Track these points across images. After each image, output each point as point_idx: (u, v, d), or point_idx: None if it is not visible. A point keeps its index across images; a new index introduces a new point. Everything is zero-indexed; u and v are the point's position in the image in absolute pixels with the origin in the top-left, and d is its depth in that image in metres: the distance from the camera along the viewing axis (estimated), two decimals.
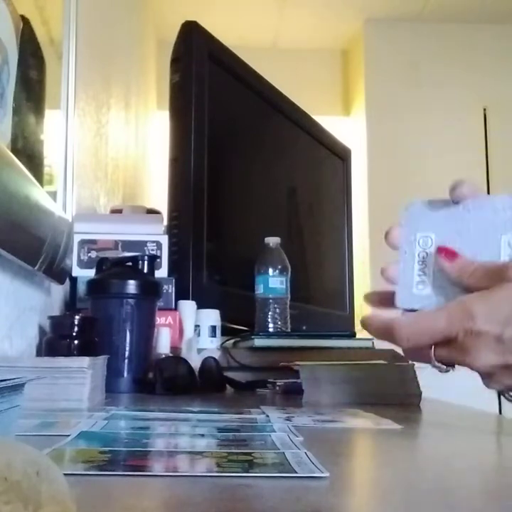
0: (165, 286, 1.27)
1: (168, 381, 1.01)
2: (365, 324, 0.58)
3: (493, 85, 3.85)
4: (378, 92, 3.85)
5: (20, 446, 0.25)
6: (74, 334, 0.98)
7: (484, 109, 3.86)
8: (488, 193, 3.80)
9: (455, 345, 0.52)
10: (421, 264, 0.58)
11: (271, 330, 1.50)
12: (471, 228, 0.57)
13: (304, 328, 1.72)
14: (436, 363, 0.55)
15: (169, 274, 1.34)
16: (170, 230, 1.46)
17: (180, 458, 0.45)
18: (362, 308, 3.34)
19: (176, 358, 1.13)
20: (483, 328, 0.50)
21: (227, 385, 1.15)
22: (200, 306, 1.39)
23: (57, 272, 1.16)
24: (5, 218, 0.86)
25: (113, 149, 2.09)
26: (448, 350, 0.53)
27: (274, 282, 1.52)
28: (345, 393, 0.91)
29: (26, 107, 1.08)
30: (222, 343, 1.45)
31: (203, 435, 0.56)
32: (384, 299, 0.60)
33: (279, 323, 1.52)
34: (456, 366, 0.55)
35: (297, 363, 1.01)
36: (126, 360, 1.05)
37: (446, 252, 0.56)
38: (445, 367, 0.55)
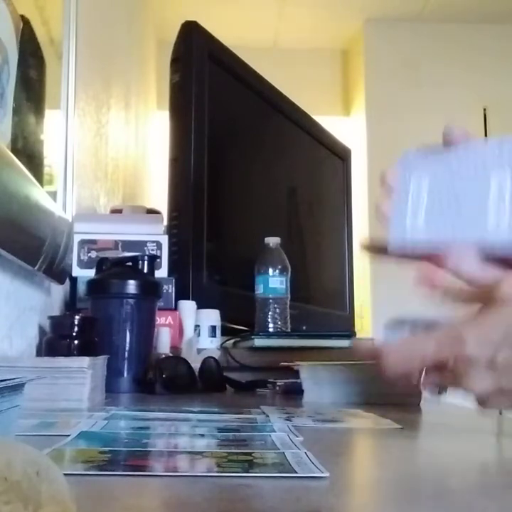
0: (165, 286, 1.27)
1: (168, 381, 1.01)
2: (355, 351, 0.57)
3: (493, 85, 3.85)
4: (378, 92, 3.85)
5: (20, 446, 0.25)
6: (74, 334, 0.98)
7: (484, 109, 3.86)
8: None
9: (446, 370, 0.51)
10: (414, 203, 0.57)
11: (271, 330, 1.50)
12: (461, 170, 0.57)
13: (304, 328, 1.72)
14: (428, 387, 0.54)
15: (169, 274, 1.34)
16: (170, 230, 1.46)
17: (180, 458, 0.45)
18: (362, 308, 3.36)
19: (176, 358, 1.13)
20: (474, 353, 0.49)
21: (227, 385, 1.15)
22: (200, 306, 1.39)
23: (57, 272, 1.16)
24: (5, 218, 0.86)
25: (113, 149, 2.09)
26: (439, 375, 0.52)
27: (274, 282, 1.52)
28: (345, 393, 0.91)
29: (26, 107, 1.08)
30: (222, 343, 1.45)
31: (203, 435, 0.56)
32: (380, 245, 0.59)
33: (279, 323, 1.52)
34: (449, 388, 0.54)
35: (297, 363, 1.01)
36: (126, 360, 1.05)
37: (425, 280, 0.54)
38: (437, 390, 0.55)
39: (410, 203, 0.58)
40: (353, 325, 2.24)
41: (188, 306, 1.35)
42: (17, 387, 0.48)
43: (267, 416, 0.69)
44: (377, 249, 0.59)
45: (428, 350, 0.51)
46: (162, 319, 1.25)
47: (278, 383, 1.13)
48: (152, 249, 1.33)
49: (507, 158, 0.56)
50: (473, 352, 0.49)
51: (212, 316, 1.40)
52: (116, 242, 1.33)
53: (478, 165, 0.57)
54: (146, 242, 1.34)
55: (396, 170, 0.60)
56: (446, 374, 0.51)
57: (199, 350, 1.22)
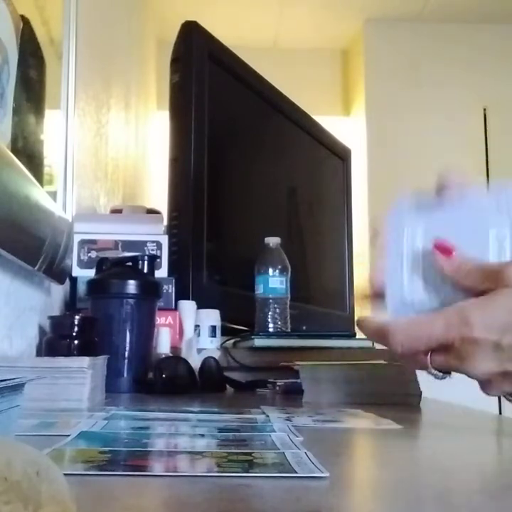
0: (165, 286, 1.27)
1: (168, 381, 1.01)
2: (360, 326, 0.57)
3: (493, 85, 3.85)
4: (378, 92, 3.85)
5: (20, 446, 0.25)
6: (74, 334, 0.98)
7: (484, 109, 3.86)
8: None
9: (452, 352, 0.51)
10: (410, 263, 0.56)
11: (271, 330, 1.50)
12: (458, 222, 0.56)
13: (304, 328, 1.72)
14: (433, 370, 0.54)
15: (169, 274, 1.34)
16: (170, 230, 1.46)
17: (180, 458, 0.45)
18: (362, 309, 3.35)
19: (176, 358, 1.13)
20: (480, 336, 0.49)
21: (227, 385, 1.15)
22: (200, 306, 1.39)
23: (57, 272, 1.16)
24: (5, 218, 0.86)
25: (113, 149, 2.09)
26: (444, 357, 0.52)
27: (274, 282, 1.52)
28: (345, 393, 0.91)
29: (26, 107, 1.08)
30: (222, 343, 1.45)
31: (203, 435, 0.56)
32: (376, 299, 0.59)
33: (279, 323, 1.52)
34: (452, 373, 0.54)
35: (297, 363, 1.01)
36: (126, 360, 1.05)
37: (441, 248, 0.55)
38: (441, 374, 0.54)
39: (406, 268, 0.57)
40: (353, 325, 2.24)
41: (188, 306, 1.35)
42: (17, 387, 0.48)
43: (267, 416, 0.69)
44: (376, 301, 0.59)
45: (434, 331, 0.51)
46: (162, 319, 1.25)
47: (278, 383, 1.13)
48: (152, 249, 1.33)
49: (505, 210, 0.55)
50: (479, 334, 0.49)
51: (212, 316, 1.40)
52: (116, 242, 1.33)
53: (475, 218, 0.56)
54: (146, 242, 1.34)
55: (389, 221, 0.59)
56: (451, 356, 0.51)
57: (199, 350, 1.22)
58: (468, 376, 0.52)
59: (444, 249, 0.55)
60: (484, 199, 0.56)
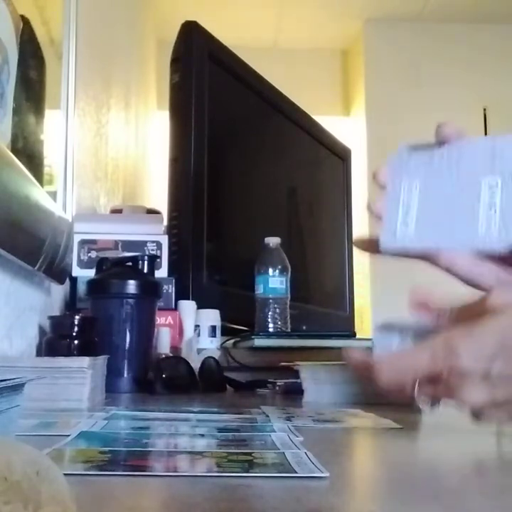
0: (165, 286, 1.27)
1: (168, 381, 1.01)
2: (345, 357, 0.56)
3: (493, 85, 3.85)
4: (378, 92, 3.85)
5: (20, 446, 0.25)
6: (74, 334, 0.98)
7: (484, 109, 3.86)
8: None
9: (440, 383, 0.50)
10: (405, 208, 0.57)
11: (271, 330, 1.50)
12: (452, 171, 0.57)
13: (304, 328, 1.72)
14: (421, 402, 0.53)
15: (169, 274, 1.34)
16: (170, 230, 1.46)
17: (180, 458, 0.45)
18: (362, 309, 3.35)
19: (176, 358, 1.13)
20: (468, 366, 0.48)
21: (227, 385, 1.15)
22: (200, 306, 1.39)
23: (57, 272, 1.16)
24: (5, 218, 0.86)
25: (113, 149, 2.09)
26: (432, 388, 0.51)
27: (274, 282, 1.52)
28: (345, 393, 0.91)
29: (26, 107, 1.08)
30: (222, 343, 1.45)
31: (203, 435, 0.56)
32: (372, 244, 0.59)
33: (279, 323, 1.52)
34: (442, 402, 0.54)
35: (297, 363, 1.01)
36: (126, 360, 1.05)
37: (416, 305, 0.55)
38: (430, 403, 0.54)
39: (401, 209, 0.58)
40: (353, 325, 2.24)
41: (188, 306, 1.35)
42: (17, 387, 0.48)
43: (267, 416, 0.69)
44: (371, 247, 0.59)
45: (421, 363, 0.50)
46: (162, 319, 1.25)
47: (278, 383, 1.13)
48: (152, 249, 1.33)
49: (498, 164, 0.56)
50: (467, 364, 0.48)
51: (212, 316, 1.40)
52: (116, 242, 1.33)
53: (469, 170, 0.57)
54: (146, 242, 1.34)
55: (388, 169, 0.60)
56: (439, 386, 0.50)
57: (199, 350, 1.22)
58: (458, 407, 0.51)
59: (419, 306, 0.55)
60: (478, 152, 0.57)
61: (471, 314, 0.51)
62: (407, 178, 0.59)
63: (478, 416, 0.51)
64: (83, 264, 1.31)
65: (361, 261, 3.50)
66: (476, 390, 0.49)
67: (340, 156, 2.36)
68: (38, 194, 1.03)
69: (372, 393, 0.90)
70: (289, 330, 1.53)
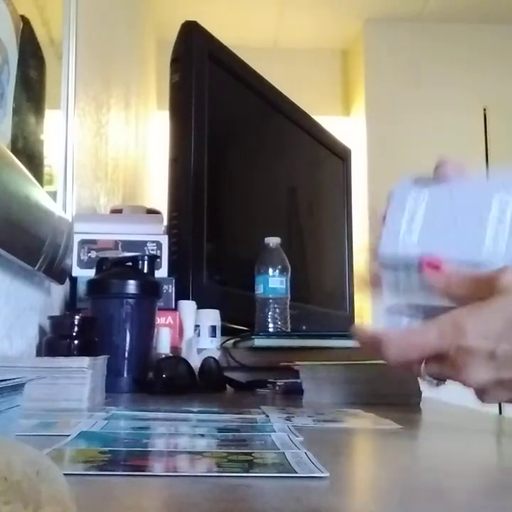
0: (165, 286, 1.27)
1: (168, 381, 1.01)
2: (353, 334, 0.57)
3: (493, 85, 3.85)
4: (378, 92, 3.85)
5: (20, 446, 0.25)
6: (74, 334, 0.98)
7: (484, 109, 3.86)
8: None
9: (446, 361, 0.51)
10: (410, 216, 0.56)
11: (271, 330, 1.50)
12: (462, 193, 0.56)
13: (304, 328, 1.72)
14: (427, 378, 0.54)
15: (169, 274, 1.34)
16: (170, 230, 1.46)
17: (180, 458, 0.45)
18: (362, 309, 3.37)
19: (176, 358, 1.13)
20: (475, 345, 0.49)
21: (227, 385, 1.15)
22: (200, 306, 1.39)
23: (57, 272, 1.16)
24: (5, 218, 0.86)
25: (113, 149, 2.09)
26: (439, 366, 0.52)
27: (274, 282, 1.52)
28: (345, 393, 0.91)
29: (26, 107, 1.08)
30: (222, 343, 1.45)
31: (203, 435, 0.56)
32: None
33: (279, 323, 1.52)
34: (447, 380, 0.54)
35: (297, 363, 1.01)
36: (126, 360, 1.05)
37: (430, 264, 0.55)
38: (436, 381, 0.54)
39: (406, 218, 0.57)
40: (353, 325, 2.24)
41: (188, 306, 1.35)
42: (17, 387, 0.48)
43: (267, 416, 0.69)
44: (372, 254, 0.59)
45: (428, 340, 0.50)
46: (162, 319, 1.25)
47: (278, 383, 1.13)
48: (152, 249, 1.33)
49: (509, 184, 0.55)
50: (473, 343, 0.49)
51: (212, 316, 1.40)
52: (116, 242, 1.33)
53: (480, 189, 0.56)
54: (146, 242, 1.34)
55: (392, 194, 0.60)
56: (445, 364, 0.51)
57: (199, 350, 1.22)
58: (464, 385, 0.51)
59: (432, 265, 0.55)
60: (486, 178, 0.57)
61: (478, 291, 0.51)
62: (414, 192, 0.58)
63: (482, 395, 0.51)
64: (83, 264, 1.31)
65: (361, 261, 3.51)
66: (481, 369, 0.49)
67: (340, 156, 2.36)
68: (38, 194, 1.03)
69: (372, 393, 0.90)
70: (289, 330, 1.53)
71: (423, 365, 0.52)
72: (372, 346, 0.54)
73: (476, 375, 0.49)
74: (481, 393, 0.51)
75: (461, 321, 0.50)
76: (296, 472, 0.39)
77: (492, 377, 0.49)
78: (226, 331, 1.49)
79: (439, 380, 0.54)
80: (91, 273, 1.16)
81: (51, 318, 1.04)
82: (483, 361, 0.49)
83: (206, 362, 1.13)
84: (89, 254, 1.31)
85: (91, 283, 1.11)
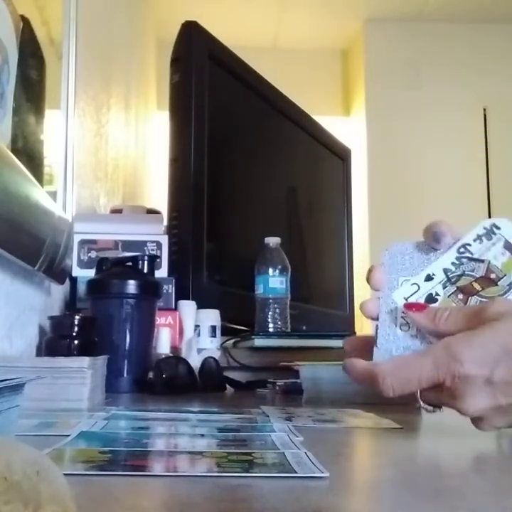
0: (165, 286, 1.27)
1: (168, 381, 1.02)
2: (346, 369, 0.56)
3: (493, 85, 3.85)
4: (378, 92, 3.85)
5: (20, 446, 0.25)
6: (74, 334, 0.98)
7: (484, 109, 3.86)
8: (488, 192, 3.80)
9: (443, 390, 0.50)
10: (393, 318, 0.57)
11: (271, 330, 1.50)
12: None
13: (304, 328, 1.72)
14: (423, 405, 0.54)
15: (169, 274, 1.34)
16: (170, 230, 1.46)
17: (180, 458, 0.45)
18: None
19: (176, 358, 1.13)
20: (471, 372, 0.48)
21: (227, 385, 1.15)
22: (200, 306, 1.39)
23: (57, 272, 1.16)
24: (5, 218, 0.86)
25: (113, 149, 2.09)
26: (435, 394, 0.52)
27: (274, 282, 1.52)
28: (345, 393, 0.91)
29: (26, 107, 1.08)
30: (222, 343, 1.45)
31: (203, 435, 0.56)
32: (364, 347, 0.58)
33: (279, 323, 1.52)
34: (443, 407, 0.54)
35: (297, 363, 1.01)
36: (126, 360, 1.05)
37: (414, 306, 0.55)
38: (432, 408, 0.54)
39: (400, 312, 0.57)
40: (353, 325, 2.24)
41: (188, 306, 1.35)
42: (17, 387, 0.48)
43: (267, 416, 0.69)
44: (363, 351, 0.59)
45: (424, 372, 0.50)
46: (162, 319, 1.25)
47: (278, 383, 1.13)
48: (152, 249, 1.33)
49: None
50: (470, 371, 0.48)
51: (212, 316, 1.40)
52: (116, 242, 1.33)
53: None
54: (146, 242, 1.34)
55: (382, 267, 0.59)
56: (442, 393, 0.51)
57: (199, 350, 1.22)
58: (461, 413, 0.51)
59: (417, 306, 0.55)
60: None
61: (467, 325, 0.52)
62: (403, 277, 0.59)
63: (481, 423, 0.51)
64: (83, 264, 1.31)
65: (361, 260, 3.51)
66: (479, 396, 0.49)
67: (340, 156, 2.36)
68: (38, 194, 1.03)
69: (372, 393, 0.90)
70: (289, 330, 1.53)
71: (419, 393, 0.53)
72: (367, 381, 0.53)
73: (474, 402, 0.49)
74: (479, 421, 0.51)
75: (455, 349, 0.49)
76: (296, 472, 0.39)
77: (490, 404, 0.49)
78: (226, 331, 1.49)
79: (436, 407, 0.54)
80: (91, 273, 1.16)
81: (51, 318, 1.04)
82: (481, 388, 0.49)
83: (206, 362, 1.13)
84: (89, 254, 1.31)
85: (91, 283, 1.11)
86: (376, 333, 0.57)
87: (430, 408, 0.54)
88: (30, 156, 1.08)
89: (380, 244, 3.76)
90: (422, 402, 0.54)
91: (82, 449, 0.47)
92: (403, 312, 0.56)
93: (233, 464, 0.41)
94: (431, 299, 0.57)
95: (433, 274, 0.57)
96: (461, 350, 0.49)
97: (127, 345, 1.06)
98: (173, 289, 1.32)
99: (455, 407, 0.51)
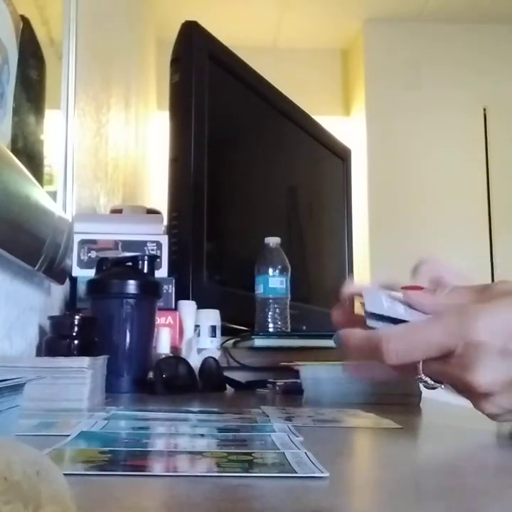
0: (165, 286, 1.27)
1: (168, 381, 1.02)
2: (342, 340, 0.51)
3: (493, 85, 3.85)
4: (378, 92, 3.85)
5: (20, 446, 0.24)
6: (74, 334, 0.98)
7: (484, 109, 3.86)
8: (488, 192, 3.80)
9: (451, 359, 0.46)
10: (389, 299, 0.53)
11: (271, 330, 1.50)
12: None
13: (304, 328, 1.72)
14: (423, 377, 0.49)
15: (169, 274, 1.34)
16: (170, 230, 1.46)
17: (180, 458, 0.45)
18: (362, 309, 3.38)
19: (176, 358, 1.13)
20: (486, 340, 0.44)
21: (227, 385, 1.15)
22: (200, 306, 1.39)
23: (57, 272, 1.16)
24: (5, 218, 0.86)
25: (113, 149, 2.09)
26: (441, 364, 0.47)
27: (274, 282, 1.52)
28: (345, 393, 0.91)
29: (26, 107, 1.08)
30: (222, 343, 1.45)
31: (203, 435, 0.56)
32: (351, 318, 0.55)
33: (279, 323, 1.52)
34: (445, 384, 0.50)
35: (297, 363, 1.01)
36: (126, 360, 1.05)
37: (413, 287, 0.52)
38: (432, 382, 0.49)
39: (384, 298, 0.54)
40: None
41: (188, 306, 1.35)
42: (17, 387, 0.48)
43: (267, 416, 0.69)
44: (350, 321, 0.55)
45: (434, 337, 0.46)
46: (162, 319, 1.25)
47: (278, 383, 1.13)
48: (152, 249, 1.33)
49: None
50: (484, 338, 0.44)
51: (212, 316, 1.40)
52: (116, 242, 1.33)
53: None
54: (146, 242, 1.34)
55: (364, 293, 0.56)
56: (449, 363, 0.46)
57: (199, 350, 1.22)
58: (468, 386, 0.46)
59: (413, 287, 0.52)
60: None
61: (475, 296, 0.48)
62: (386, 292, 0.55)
63: (487, 402, 0.47)
64: (83, 264, 1.31)
65: (361, 261, 3.51)
66: (492, 367, 0.45)
67: (340, 156, 2.36)
68: (38, 194, 1.03)
69: (372, 393, 0.90)
70: (289, 330, 1.53)
71: (421, 364, 0.48)
72: (367, 349, 0.49)
73: (486, 373, 0.45)
74: (485, 399, 0.47)
75: (469, 316, 0.45)
76: (296, 472, 0.39)
77: (502, 377, 0.45)
78: (226, 331, 1.49)
79: (437, 381, 0.50)
80: (91, 273, 1.16)
81: (51, 318, 1.04)
82: (495, 358, 0.45)
83: (206, 362, 1.13)
84: (89, 254, 1.31)
85: (91, 283, 1.11)
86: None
87: (431, 382, 0.49)
88: (30, 156, 1.08)
89: (380, 244, 3.76)
90: (423, 375, 0.49)
91: (82, 449, 0.47)
92: (389, 298, 0.52)
93: (233, 464, 0.41)
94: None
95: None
96: (477, 317, 0.45)
97: (127, 345, 1.06)
98: (173, 289, 1.32)
99: (463, 378, 0.46)
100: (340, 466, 0.45)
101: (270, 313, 1.52)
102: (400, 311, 0.51)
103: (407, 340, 0.47)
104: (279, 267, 1.52)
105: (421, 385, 0.51)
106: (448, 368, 0.47)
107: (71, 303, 1.29)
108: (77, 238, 1.31)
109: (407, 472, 0.44)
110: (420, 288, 0.52)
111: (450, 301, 0.49)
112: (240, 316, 1.59)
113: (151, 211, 1.59)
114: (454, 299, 0.49)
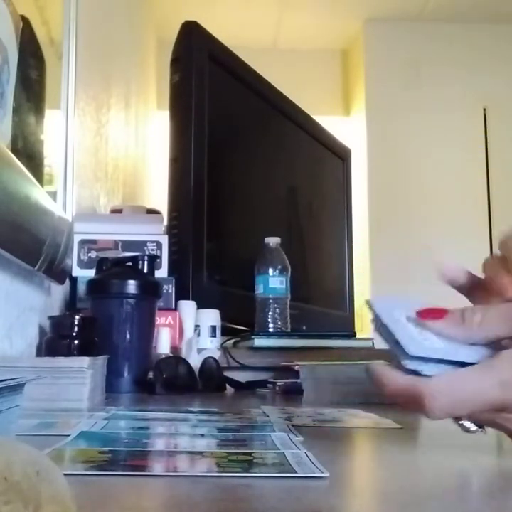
0: (165, 286, 1.27)
1: (168, 381, 1.02)
2: (376, 381, 0.42)
3: (493, 85, 3.85)
4: (378, 92, 3.85)
5: (20, 446, 0.24)
6: (74, 334, 0.98)
7: (484, 109, 3.86)
8: (488, 192, 3.80)
9: (505, 411, 0.40)
10: (415, 325, 0.43)
11: (271, 330, 1.50)
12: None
13: (304, 328, 1.72)
14: (467, 425, 0.43)
15: (169, 274, 1.34)
16: (170, 230, 1.46)
17: (180, 458, 0.45)
18: (362, 309, 3.37)
19: (176, 358, 1.13)
20: None
21: (227, 385, 1.15)
22: (200, 306, 1.39)
23: (57, 272, 1.16)
24: (5, 218, 0.86)
25: (113, 149, 2.09)
26: (492, 414, 0.41)
27: (274, 282, 1.52)
28: (345, 393, 0.91)
29: (26, 107, 1.08)
30: (222, 343, 1.45)
31: (203, 435, 0.56)
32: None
33: (279, 323, 1.52)
34: (486, 428, 0.44)
35: (297, 363, 1.01)
36: (126, 360, 1.05)
37: (430, 313, 0.43)
38: (476, 428, 0.44)
39: (412, 327, 0.43)
40: (353, 325, 2.24)
41: (188, 306, 1.35)
42: (17, 387, 0.48)
43: (267, 416, 0.69)
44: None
45: (487, 393, 0.39)
46: (162, 319, 1.25)
47: (278, 383, 1.13)
48: (152, 249, 1.33)
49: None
50: None
51: (212, 316, 1.40)
52: (116, 242, 1.33)
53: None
54: (146, 242, 1.34)
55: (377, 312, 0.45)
56: (502, 416, 0.41)
57: (199, 350, 1.22)
58: None
59: (434, 313, 0.43)
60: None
61: None
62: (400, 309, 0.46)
63: None
64: (83, 264, 1.31)
65: (361, 260, 3.51)
66: None
67: (340, 156, 2.36)
68: (38, 194, 1.03)
69: (372, 393, 0.90)
70: (289, 330, 1.53)
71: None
72: (409, 399, 0.40)
73: None
74: None
75: None
76: (296, 472, 0.39)
77: None
78: (226, 331, 1.49)
79: (480, 427, 0.44)
80: (91, 273, 1.16)
81: (51, 318, 1.04)
82: None
83: (206, 362, 1.13)
84: (89, 254, 1.31)
85: (91, 283, 1.11)
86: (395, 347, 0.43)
87: (474, 428, 0.44)
88: (30, 156, 1.08)
89: (380, 244, 3.76)
90: (466, 423, 0.43)
91: (82, 449, 0.47)
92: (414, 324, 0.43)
93: (233, 464, 0.41)
94: None
95: None
96: None
97: (127, 345, 1.06)
98: (173, 289, 1.32)
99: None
100: (340, 466, 0.45)
101: (270, 313, 1.52)
102: (436, 345, 0.42)
103: (454, 397, 0.39)
104: (279, 267, 1.52)
105: (459, 428, 0.45)
106: (501, 420, 0.42)
107: (71, 303, 1.29)
108: (77, 238, 1.31)
109: (407, 472, 0.44)
110: (441, 312, 0.43)
111: (486, 333, 0.42)
112: (240, 316, 1.59)
113: (151, 211, 1.59)
114: (493, 326, 0.42)
